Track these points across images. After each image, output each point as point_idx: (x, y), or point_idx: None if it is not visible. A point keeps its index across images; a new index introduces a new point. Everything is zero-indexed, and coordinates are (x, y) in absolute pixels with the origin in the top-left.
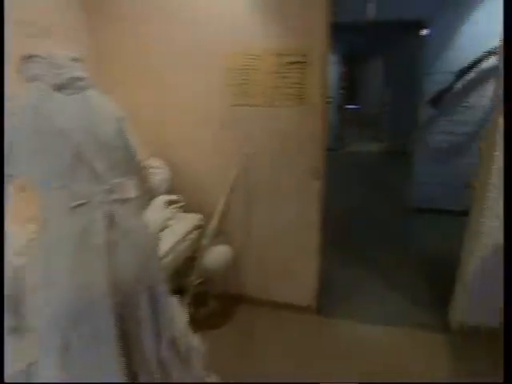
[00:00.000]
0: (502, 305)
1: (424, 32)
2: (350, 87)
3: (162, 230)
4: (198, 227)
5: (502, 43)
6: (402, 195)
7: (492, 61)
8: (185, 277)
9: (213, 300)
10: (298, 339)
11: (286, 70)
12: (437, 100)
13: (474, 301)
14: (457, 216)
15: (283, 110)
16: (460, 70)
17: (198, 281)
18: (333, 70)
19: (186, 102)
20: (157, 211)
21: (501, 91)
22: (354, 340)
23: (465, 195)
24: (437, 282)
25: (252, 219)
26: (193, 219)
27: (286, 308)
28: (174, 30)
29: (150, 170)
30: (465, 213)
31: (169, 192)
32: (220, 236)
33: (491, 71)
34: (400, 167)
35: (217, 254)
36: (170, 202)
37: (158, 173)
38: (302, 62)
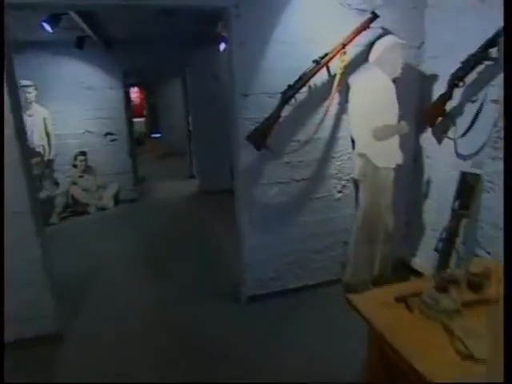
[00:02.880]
0: None
1: (223, 46)
2: (152, 114)
3: None
4: None
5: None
6: (228, 277)
7: (324, 75)
8: None
9: None
10: None
11: None
12: (258, 138)
13: None
14: (310, 292)
15: None
16: (284, 92)
17: None
18: (115, 94)
19: None
20: None
21: None
22: None
23: (315, 266)
24: None
25: None
26: None
27: None
28: None
29: None
30: (319, 285)
31: None
32: None
33: (326, 87)
34: (220, 212)
35: None
36: None
37: None
38: None
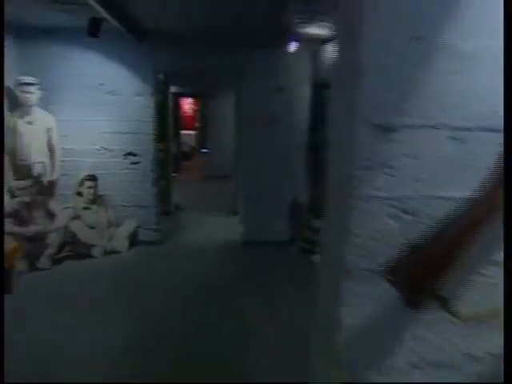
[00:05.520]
0: None
1: (294, 45)
2: (203, 127)
3: None
4: None
5: None
6: None
7: None
8: None
9: None
10: None
11: None
12: (421, 275)
13: None
14: None
15: None
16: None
17: None
18: (143, 103)
19: None
20: None
21: None
22: None
23: None
24: None
25: None
26: None
27: None
28: None
29: None
30: None
31: None
32: None
33: None
34: (272, 287)
35: None
36: None
37: None
38: None
